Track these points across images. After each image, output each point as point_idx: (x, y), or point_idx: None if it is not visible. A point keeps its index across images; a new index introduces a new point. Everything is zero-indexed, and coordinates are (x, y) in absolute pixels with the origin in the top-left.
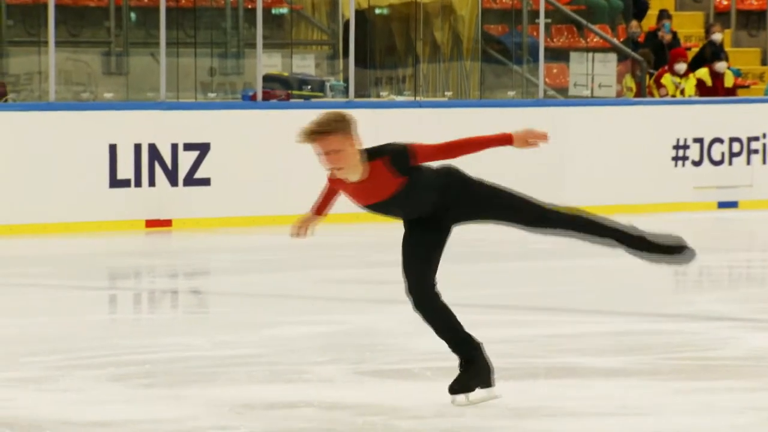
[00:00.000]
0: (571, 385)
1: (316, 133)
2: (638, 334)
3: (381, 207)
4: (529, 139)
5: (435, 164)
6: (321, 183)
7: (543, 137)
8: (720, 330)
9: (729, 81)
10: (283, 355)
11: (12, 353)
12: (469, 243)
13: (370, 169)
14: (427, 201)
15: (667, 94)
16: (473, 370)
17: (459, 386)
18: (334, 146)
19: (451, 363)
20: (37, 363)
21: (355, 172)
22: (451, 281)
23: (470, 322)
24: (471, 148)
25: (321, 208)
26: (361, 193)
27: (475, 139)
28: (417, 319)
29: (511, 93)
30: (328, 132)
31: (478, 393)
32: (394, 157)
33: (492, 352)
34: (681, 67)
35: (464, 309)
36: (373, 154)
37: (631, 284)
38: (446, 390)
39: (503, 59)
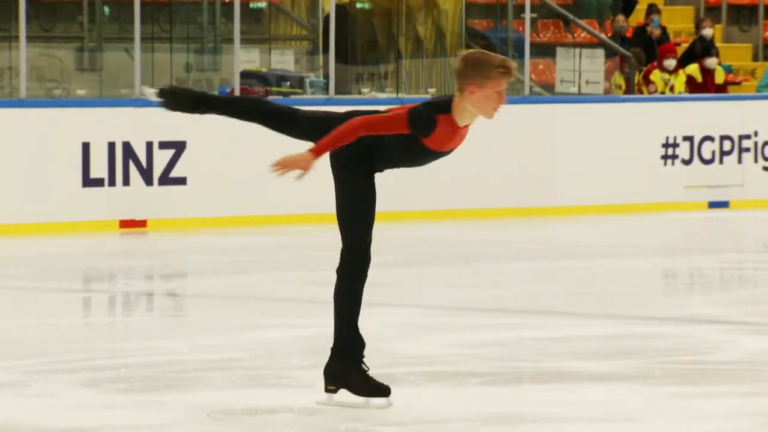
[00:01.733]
0: (559, 390)
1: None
2: (628, 338)
3: (444, 154)
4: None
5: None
6: (298, 182)
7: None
8: (712, 333)
9: (720, 77)
10: (263, 359)
11: None
12: (453, 244)
13: None
14: None
15: (656, 91)
16: (350, 369)
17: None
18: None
19: (436, 368)
20: (9, 367)
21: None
22: (436, 283)
23: (456, 326)
24: None
25: (332, 150)
26: (457, 136)
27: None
28: (402, 322)
29: None
30: None
31: (348, 397)
32: None
33: (478, 356)
34: (670, 63)
35: (450, 312)
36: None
37: (620, 286)
38: (429, 395)
39: None
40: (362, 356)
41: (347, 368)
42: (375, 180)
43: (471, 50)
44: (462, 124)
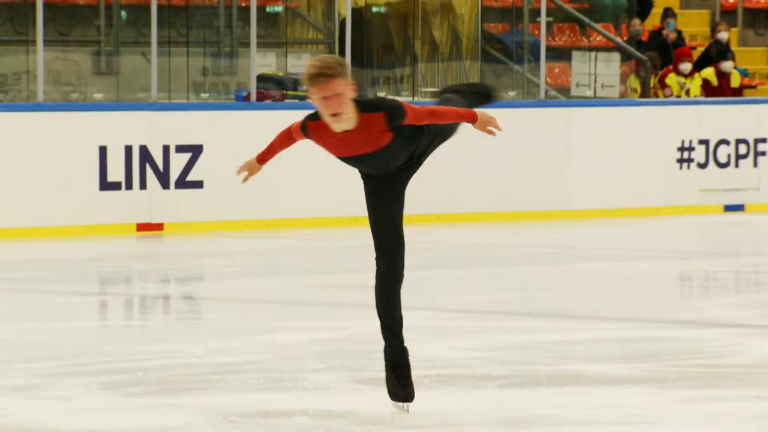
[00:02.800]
0: (574, 392)
1: (323, 76)
2: (644, 341)
3: (359, 160)
4: (488, 126)
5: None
6: (315, 184)
7: (498, 128)
8: (728, 336)
9: (735, 81)
10: (278, 362)
11: (0, 360)
12: (468, 247)
13: (362, 120)
14: (401, 158)
15: (671, 95)
16: (407, 376)
17: (407, 392)
18: (338, 89)
19: (451, 371)
20: (25, 370)
21: (347, 121)
22: (452, 286)
23: (472, 329)
24: (447, 117)
25: (268, 156)
26: (344, 143)
27: (450, 110)
28: (417, 326)
29: (511, 93)
30: (334, 75)
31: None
32: (390, 114)
33: (494, 359)
34: (686, 66)
35: (466, 315)
36: (367, 106)
37: (636, 289)
38: (444, 398)
39: (504, 59)
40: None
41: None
42: (374, 183)
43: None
44: (338, 130)
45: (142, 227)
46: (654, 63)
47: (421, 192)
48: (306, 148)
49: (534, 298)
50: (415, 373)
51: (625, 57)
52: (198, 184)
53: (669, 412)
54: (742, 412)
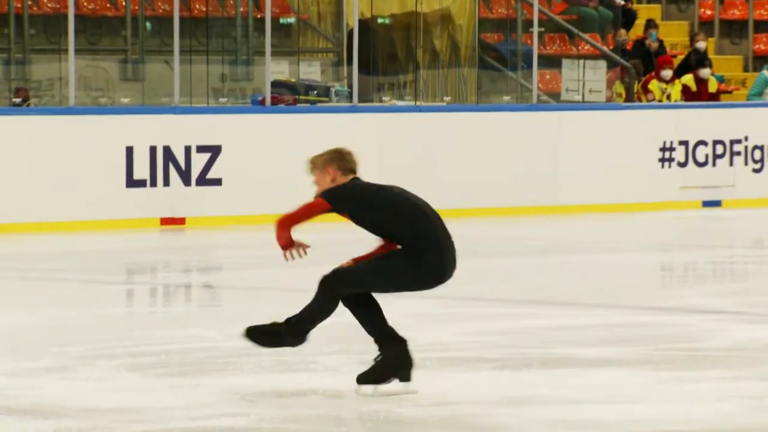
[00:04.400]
0: (565, 374)
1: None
2: (629, 326)
3: None
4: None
5: None
6: None
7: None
8: (706, 322)
9: (713, 87)
10: None
11: (35, 344)
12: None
13: None
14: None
15: (654, 99)
16: (390, 363)
17: (369, 377)
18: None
19: (451, 354)
20: (59, 353)
21: None
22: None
23: (469, 316)
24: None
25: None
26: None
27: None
28: (418, 313)
29: (506, 98)
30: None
31: (394, 386)
32: None
33: (489, 344)
34: (667, 73)
35: (463, 303)
36: None
37: (621, 279)
38: (444, 379)
39: (499, 66)
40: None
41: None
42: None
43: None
44: None
45: (165, 221)
46: (638, 70)
47: (421, 191)
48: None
49: (527, 287)
50: (417, 356)
51: (611, 64)
52: (217, 182)
53: (652, 391)
54: (719, 391)
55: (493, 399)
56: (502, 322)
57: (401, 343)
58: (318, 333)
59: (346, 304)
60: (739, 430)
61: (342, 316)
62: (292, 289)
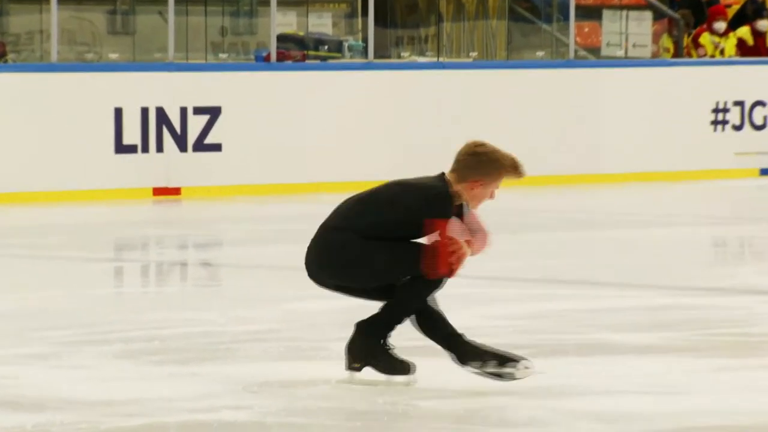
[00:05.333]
0: (601, 362)
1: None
2: (675, 309)
3: None
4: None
5: None
6: (338, 148)
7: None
8: (761, 304)
9: None
10: (301, 330)
11: (16, 328)
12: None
13: None
14: None
15: (705, 54)
16: (374, 346)
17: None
18: None
19: (478, 339)
20: (40, 339)
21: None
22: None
23: (495, 297)
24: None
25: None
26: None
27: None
28: (441, 293)
29: (539, 53)
30: None
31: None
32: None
33: (518, 329)
34: (720, 25)
35: (490, 282)
36: None
37: (666, 256)
38: (471, 368)
39: (531, 17)
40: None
41: (371, 345)
42: None
43: (480, 143)
44: (474, 209)
45: (158, 191)
46: (687, 21)
47: (446, 158)
48: (330, 109)
49: (560, 265)
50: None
51: (658, 16)
52: (216, 147)
53: (698, 382)
54: None
55: (523, 390)
56: (534, 304)
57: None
58: (329, 317)
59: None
60: None
61: (353, 299)
62: (298, 268)
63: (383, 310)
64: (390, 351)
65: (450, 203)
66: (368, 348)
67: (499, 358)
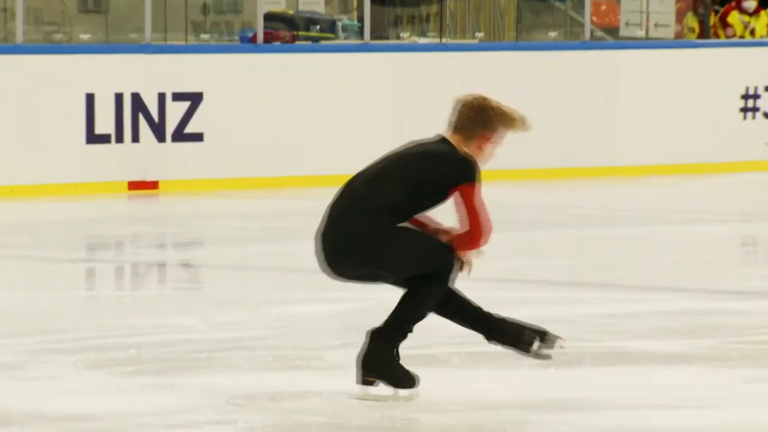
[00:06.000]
0: (622, 372)
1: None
2: (701, 314)
3: None
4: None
5: None
6: (332, 138)
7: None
8: None
9: None
10: (289, 337)
11: None
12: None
13: None
14: None
15: (734, 35)
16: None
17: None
18: None
19: (484, 348)
20: (5, 346)
21: None
22: (487, 252)
23: (507, 299)
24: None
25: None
26: None
27: None
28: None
29: (552, 34)
30: None
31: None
32: None
33: None
34: (750, 4)
35: (499, 284)
36: None
37: (693, 256)
38: (477, 378)
39: None
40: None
41: (387, 356)
42: None
43: (483, 96)
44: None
45: (134, 185)
46: None
47: None
48: (323, 95)
49: (577, 265)
50: (444, 350)
51: None
52: (197, 137)
53: (729, 394)
54: None
55: (536, 402)
56: (547, 308)
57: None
58: (321, 323)
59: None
60: None
61: (347, 303)
62: (287, 269)
63: (395, 316)
64: (399, 362)
65: (471, 164)
66: (384, 359)
67: (530, 334)
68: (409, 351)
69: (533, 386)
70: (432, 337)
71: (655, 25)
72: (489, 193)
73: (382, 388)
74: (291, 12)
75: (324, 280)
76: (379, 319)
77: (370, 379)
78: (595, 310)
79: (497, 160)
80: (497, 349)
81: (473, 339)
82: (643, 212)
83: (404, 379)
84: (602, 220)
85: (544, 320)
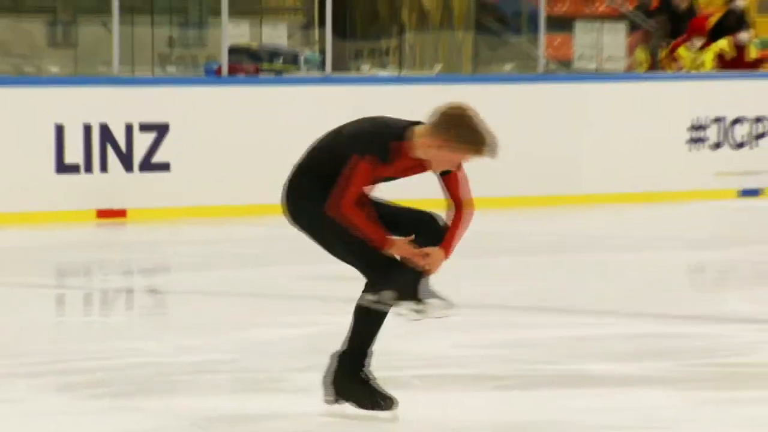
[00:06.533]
0: (582, 394)
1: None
2: (657, 338)
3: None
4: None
5: None
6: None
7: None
8: (748, 333)
9: (753, 53)
10: (254, 360)
11: None
12: (466, 235)
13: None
14: None
15: (682, 68)
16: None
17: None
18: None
19: (444, 370)
20: None
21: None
22: (448, 277)
23: (469, 323)
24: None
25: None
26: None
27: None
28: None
29: (507, 66)
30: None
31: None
32: None
33: (493, 357)
34: (698, 40)
35: (462, 309)
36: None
37: (647, 281)
38: (437, 401)
39: (499, 29)
40: (367, 365)
41: (350, 378)
42: None
43: (470, 108)
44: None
45: (102, 213)
46: (663, 30)
47: (410, 179)
48: (286, 125)
49: (537, 290)
50: (406, 373)
51: (633, 27)
52: (164, 167)
53: (686, 416)
54: (765, 415)
55: (498, 426)
56: (509, 332)
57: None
58: (286, 346)
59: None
60: None
61: (314, 326)
62: (251, 294)
63: (349, 337)
64: (371, 382)
65: (374, 142)
66: (347, 382)
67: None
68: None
69: (494, 409)
70: (395, 361)
71: (607, 58)
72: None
73: (350, 409)
74: (255, 45)
75: (286, 306)
76: (336, 343)
77: (332, 399)
78: (555, 334)
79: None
80: (459, 372)
81: (436, 362)
82: (597, 239)
83: (380, 402)
84: (560, 246)
85: (506, 343)
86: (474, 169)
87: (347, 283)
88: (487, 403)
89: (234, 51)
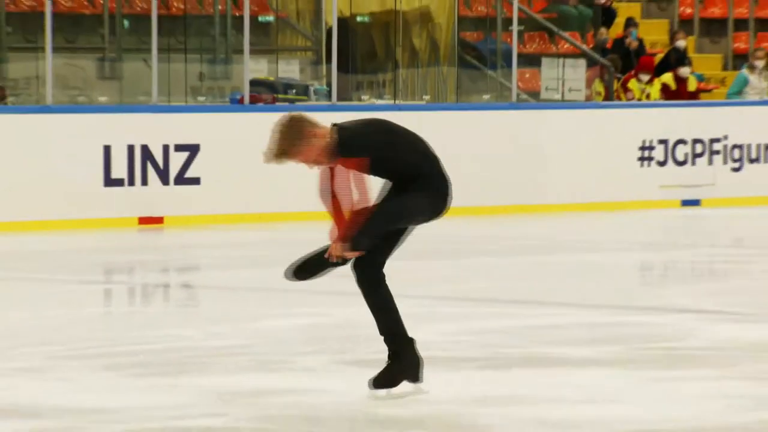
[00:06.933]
0: (547, 373)
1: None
2: (611, 326)
3: None
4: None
5: None
6: (303, 181)
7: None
8: (685, 321)
9: (692, 85)
10: (269, 345)
11: (12, 344)
12: (449, 240)
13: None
14: None
15: (633, 98)
16: (400, 365)
17: (384, 381)
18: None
19: (429, 353)
20: (32, 354)
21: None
22: (433, 276)
23: (450, 315)
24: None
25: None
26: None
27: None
28: (403, 312)
29: (486, 97)
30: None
31: (404, 387)
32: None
33: (471, 343)
34: (646, 74)
35: (445, 302)
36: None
37: (603, 279)
38: (428, 378)
39: (478, 65)
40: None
41: (398, 367)
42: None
43: (289, 118)
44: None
45: (143, 221)
46: (615, 65)
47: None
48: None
49: (509, 286)
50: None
51: (591, 63)
52: (195, 181)
53: (634, 391)
54: (701, 390)
55: (474, 398)
56: (483, 321)
57: (411, 343)
58: (294, 333)
59: (364, 289)
60: (721, 429)
61: (316, 317)
62: (267, 289)
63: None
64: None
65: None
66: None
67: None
68: (367, 356)
69: (472, 384)
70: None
71: (569, 90)
72: (444, 226)
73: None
74: (272, 78)
75: (296, 299)
76: (339, 331)
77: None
78: (521, 323)
79: (455, 198)
80: (443, 355)
81: (424, 347)
82: (560, 242)
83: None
84: (526, 249)
85: (481, 331)
86: (454, 183)
87: (346, 279)
88: (466, 380)
89: (254, 83)
